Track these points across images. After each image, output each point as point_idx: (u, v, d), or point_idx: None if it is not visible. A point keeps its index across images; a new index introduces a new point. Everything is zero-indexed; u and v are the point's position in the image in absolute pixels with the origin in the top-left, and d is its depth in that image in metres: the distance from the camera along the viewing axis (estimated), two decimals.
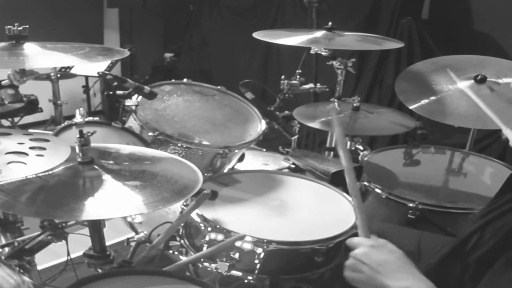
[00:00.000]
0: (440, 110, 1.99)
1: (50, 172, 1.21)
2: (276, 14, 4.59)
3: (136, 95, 1.93)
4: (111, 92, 1.90)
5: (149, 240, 1.80)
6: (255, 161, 2.35)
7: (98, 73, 1.96)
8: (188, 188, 1.26)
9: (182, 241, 1.64)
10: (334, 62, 2.43)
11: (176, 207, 1.76)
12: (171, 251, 1.70)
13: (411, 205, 1.77)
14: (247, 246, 1.43)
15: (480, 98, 1.65)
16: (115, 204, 1.18)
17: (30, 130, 1.43)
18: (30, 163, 1.15)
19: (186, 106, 2.14)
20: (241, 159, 2.17)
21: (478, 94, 1.98)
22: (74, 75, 3.98)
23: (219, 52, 5.08)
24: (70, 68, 3.90)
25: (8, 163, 1.14)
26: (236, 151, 2.03)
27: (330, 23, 2.32)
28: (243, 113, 2.22)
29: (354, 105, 2.26)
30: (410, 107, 2.04)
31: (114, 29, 5.14)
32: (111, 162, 1.32)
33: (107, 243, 1.38)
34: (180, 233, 1.66)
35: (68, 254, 1.54)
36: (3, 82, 1.84)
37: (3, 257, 1.44)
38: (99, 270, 1.35)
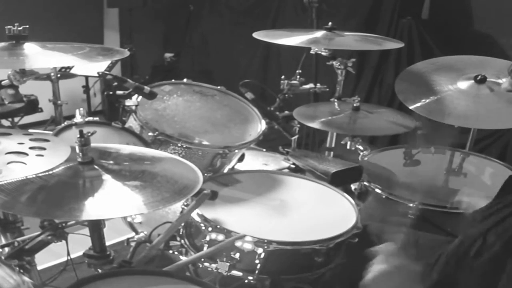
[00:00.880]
0: (440, 110, 1.99)
1: (50, 172, 1.21)
2: (276, 14, 4.59)
3: (136, 95, 1.93)
4: (111, 92, 1.90)
5: (149, 240, 1.80)
6: (255, 161, 2.35)
7: (98, 73, 1.96)
8: (188, 188, 1.26)
9: (182, 241, 1.64)
10: (334, 62, 2.43)
11: (176, 207, 1.76)
12: (171, 251, 1.70)
13: (411, 205, 1.77)
14: (248, 246, 1.43)
15: None
16: (115, 204, 1.18)
17: (30, 130, 1.43)
18: (30, 163, 1.15)
19: (186, 106, 2.14)
20: (241, 159, 2.17)
21: (478, 94, 1.98)
22: (74, 75, 3.98)
23: (219, 52, 5.07)
24: (70, 68, 3.91)
25: (8, 163, 1.14)
26: (236, 151, 2.03)
27: (330, 23, 2.32)
28: (243, 113, 2.22)
29: (354, 105, 2.26)
30: (410, 107, 2.04)
31: (114, 29, 5.14)
32: (111, 162, 1.32)
33: (107, 243, 1.38)
34: (180, 233, 1.66)
35: (68, 254, 1.54)
36: (3, 82, 1.84)
37: (3, 257, 1.44)
38: (99, 270, 1.35)
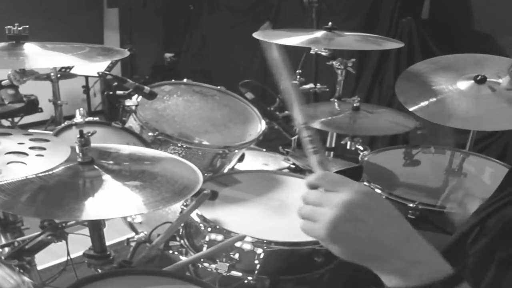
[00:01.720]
0: (440, 112, 1.99)
1: (50, 172, 1.21)
2: (276, 14, 4.59)
3: (136, 95, 1.93)
4: (111, 92, 1.90)
5: (149, 240, 1.80)
6: (255, 161, 2.35)
7: (98, 73, 1.96)
8: (188, 188, 1.26)
9: (182, 241, 1.64)
10: (334, 62, 2.43)
11: (176, 207, 1.76)
12: (171, 251, 1.70)
13: (411, 205, 1.77)
14: (247, 247, 1.43)
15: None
16: (115, 204, 1.18)
17: (30, 130, 1.43)
18: (30, 163, 1.15)
19: (186, 106, 2.14)
20: (241, 159, 2.17)
21: (478, 94, 1.98)
22: (74, 75, 3.98)
23: (219, 52, 5.08)
24: (70, 68, 3.91)
25: (8, 163, 1.14)
26: (236, 151, 2.03)
27: (330, 23, 2.32)
28: (243, 113, 2.22)
29: (354, 105, 2.26)
30: (410, 109, 2.04)
31: (114, 29, 5.14)
32: (111, 162, 1.32)
33: (107, 243, 1.38)
34: (180, 233, 1.65)
35: (68, 254, 1.54)
36: (3, 82, 1.84)
37: (3, 257, 1.44)
38: (99, 270, 1.35)
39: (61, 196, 1.16)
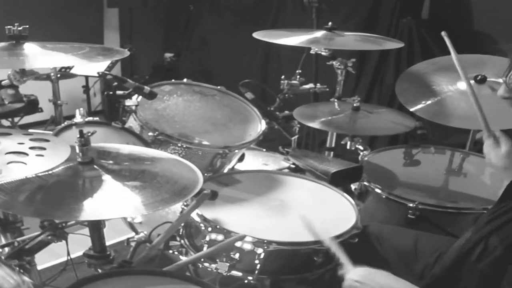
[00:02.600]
0: (441, 112, 1.99)
1: (50, 172, 1.21)
2: (276, 14, 4.59)
3: (136, 95, 1.93)
4: (111, 92, 1.90)
5: (149, 240, 1.79)
6: (255, 161, 2.35)
7: (98, 73, 1.96)
8: (188, 188, 1.26)
9: (182, 241, 1.64)
10: (334, 62, 2.43)
11: (176, 207, 1.76)
12: (171, 251, 1.70)
13: (411, 205, 1.77)
14: (247, 246, 1.43)
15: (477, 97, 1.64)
16: (114, 204, 1.18)
17: (30, 130, 1.43)
18: (30, 163, 1.15)
19: (186, 106, 2.14)
20: (241, 159, 2.17)
21: (479, 94, 1.98)
22: (74, 75, 3.98)
23: (219, 52, 5.07)
24: (70, 68, 3.90)
25: (8, 163, 1.14)
26: (236, 151, 2.03)
27: (330, 23, 2.32)
28: (243, 113, 2.22)
29: (354, 105, 2.26)
30: (411, 109, 2.04)
31: (114, 29, 5.14)
32: (111, 162, 1.32)
33: (107, 243, 1.38)
34: (180, 233, 1.66)
35: (68, 254, 1.54)
36: (3, 82, 1.84)
37: (3, 257, 1.44)
38: (99, 270, 1.35)
39: (61, 196, 1.16)
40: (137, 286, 1.21)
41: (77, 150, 1.27)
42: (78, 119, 1.88)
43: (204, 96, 2.24)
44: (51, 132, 1.72)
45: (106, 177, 1.24)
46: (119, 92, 1.91)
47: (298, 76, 2.46)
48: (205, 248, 1.50)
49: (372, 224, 1.68)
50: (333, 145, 2.48)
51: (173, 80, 2.25)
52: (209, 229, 1.51)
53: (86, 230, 1.39)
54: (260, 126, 2.13)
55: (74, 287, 1.15)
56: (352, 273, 1.21)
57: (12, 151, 1.19)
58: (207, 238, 1.50)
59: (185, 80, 2.27)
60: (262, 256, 1.44)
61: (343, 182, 1.93)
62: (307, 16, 3.11)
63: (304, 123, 2.18)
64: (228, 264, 1.44)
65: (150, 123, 1.92)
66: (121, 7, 4.94)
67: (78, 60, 1.58)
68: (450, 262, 1.24)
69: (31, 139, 1.27)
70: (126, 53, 1.70)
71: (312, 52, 2.53)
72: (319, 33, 2.31)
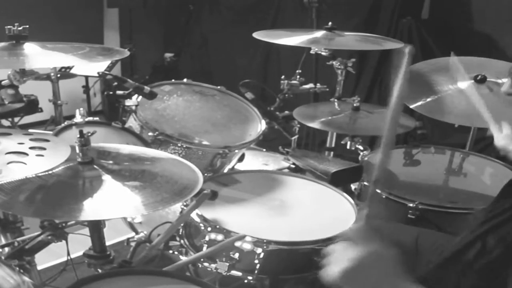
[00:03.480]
0: (440, 109, 1.99)
1: (50, 172, 1.21)
2: (276, 14, 4.59)
3: (136, 95, 1.93)
4: (111, 92, 1.90)
5: (149, 240, 1.80)
6: (255, 161, 2.35)
7: (98, 73, 1.96)
8: (188, 188, 1.26)
9: (182, 241, 1.64)
10: (334, 62, 2.43)
11: (176, 207, 1.76)
12: (171, 251, 1.70)
13: (411, 205, 1.77)
14: (247, 246, 1.43)
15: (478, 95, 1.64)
16: (114, 204, 1.18)
17: (30, 130, 1.43)
18: (30, 163, 1.15)
19: (186, 106, 2.14)
20: (241, 159, 2.17)
21: (479, 93, 1.98)
22: (74, 75, 3.98)
23: (219, 52, 5.07)
24: (70, 68, 3.90)
25: (8, 163, 1.14)
26: (236, 151, 2.03)
27: (330, 23, 2.32)
28: (243, 113, 2.22)
29: (354, 105, 2.26)
30: (410, 106, 2.04)
31: (114, 29, 5.14)
32: (111, 162, 1.32)
33: (107, 243, 1.39)
34: (180, 233, 1.66)
35: (68, 254, 1.54)
36: (3, 82, 1.84)
37: (3, 257, 1.44)
38: (99, 270, 1.36)
39: (61, 196, 1.16)
40: (137, 286, 1.21)
41: (77, 150, 1.27)
42: (78, 119, 1.88)
43: (204, 96, 2.24)
44: (51, 132, 1.72)
45: (106, 177, 1.24)
46: (119, 92, 1.91)
47: (298, 76, 2.46)
48: (204, 248, 1.50)
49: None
50: (333, 145, 2.48)
51: (173, 80, 2.25)
52: (209, 229, 1.51)
53: (86, 230, 1.39)
54: (260, 126, 2.13)
55: (74, 287, 1.15)
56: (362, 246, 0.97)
57: (12, 151, 1.19)
58: (207, 238, 1.50)
59: (185, 80, 2.27)
60: (261, 256, 1.44)
61: (343, 182, 1.93)
62: (307, 16, 3.11)
63: (304, 123, 2.18)
64: (227, 264, 1.44)
65: (150, 123, 1.92)
66: (121, 7, 4.94)
67: (78, 60, 1.58)
68: (445, 260, 1.23)
69: (31, 139, 1.27)
70: (126, 53, 1.70)
71: (312, 52, 2.53)
72: (319, 33, 2.31)
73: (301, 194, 1.79)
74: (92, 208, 1.13)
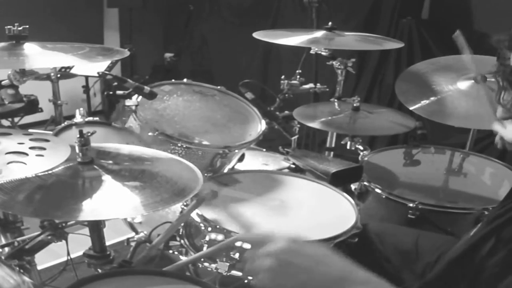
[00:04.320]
0: (440, 111, 2.00)
1: (50, 172, 1.21)
2: (276, 14, 4.59)
3: (136, 95, 1.93)
4: (111, 92, 1.90)
5: (149, 240, 1.80)
6: (255, 161, 2.35)
7: (98, 73, 1.95)
8: (188, 188, 1.26)
9: (182, 241, 1.64)
10: (334, 62, 2.43)
11: (176, 207, 1.76)
12: (171, 251, 1.70)
13: (411, 205, 1.77)
14: (247, 246, 1.43)
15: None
16: (114, 204, 1.18)
17: (30, 130, 1.43)
18: (30, 163, 1.15)
19: (186, 106, 2.14)
20: (241, 159, 2.17)
21: (478, 94, 1.98)
22: (74, 75, 3.98)
23: (219, 52, 5.08)
24: (70, 68, 3.90)
25: (8, 163, 1.14)
26: (236, 151, 2.03)
27: (330, 23, 2.32)
28: (243, 113, 2.22)
29: (354, 105, 2.26)
30: (410, 108, 2.04)
31: (114, 29, 5.14)
32: (111, 162, 1.32)
33: (107, 243, 1.39)
34: (180, 233, 1.65)
35: (68, 254, 1.54)
36: (3, 82, 1.84)
37: (3, 257, 1.44)
38: (99, 270, 1.35)
39: (60, 196, 1.16)
40: (137, 286, 1.21)
41: (77, 150, 1.27)
42: (78, 119, 1.88)
43: (204, 96, 2.24)
44: (51, 132, 1.72)
45: (106, 177, 1.24)
46: (119, 92, 1.91)
47: (298, 76, 2.46)
48: (205, 248, 1.50)
49: (373, 222, 1.67)
50: (333, 145, 2.48)
51: (173, 80, 2.24)
52: (209, 229, 1.51)
53: (86, 230, 1.39)
54: (260, 126, 2.13)
55: (74, 287, 1.15)
56: (281, 242, 0.90)
57: (12, 151, 1.19)
58: (207, 238, 1.50)
59: (185, 80, 2.27)
60: None
61: (343, 182, 1.93)
62: (307, 16, 3.11)
63: (304, 123, 2.18)
64: (228, 264, 1.44)
65: (150, 123, 1.92)
66: (121, 7, 4.94)
67: (78, 60, 1.58)
68: (454, 258, 1.22)
69: (31, 139, 1.27)
70: (126, 53, 1.70)
71: (312, 52, 2.53)
72: (319, 33, 2.31)
73: (301, 194, 1.79)
74: (92, 208, 1.13)
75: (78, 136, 1.26)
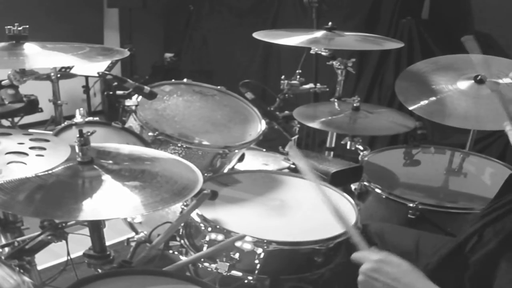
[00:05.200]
0: (440, 111, 1.99)
1: (50, 172, 1.21)
2: (276, 14, 4.59)
3: (136, 95, 1.93)
4: (111, 92, 1.90)
5: (149, 240, 1.80)
6: (255, 161, 2.35)
7: (98, 73, 1.96)
8: (188, 188, 1.26)
9: (182, 241, 1.64)
10: (334, 62, 2.43)
11: (176, 207, 1.76)
12: (171, 251, 1.70)
13: (411, 205, 1.77)
14: (247, 246, 1.43)
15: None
16: (114, 204, 1.18)
17: (30, 130, 1.43)
18: (30, 163, 1.15)
19: (186, 106, 2.14)
20: (241, 159, 2.17)
21: (478, 94, 1.98)
22: (74, 75, 3.98)
23: (219, 52, 5.08)
24: (70, 68, 3.91)
25: (8, 163, 1.14)
26: (236, 151, 2.03)
27: (330, 23, 2.32)
28: (243, 113, 2.22)
29: (354, 105, 2.26)
30: (410, 108, 2.04)
31: (114, 29, 5.14)
32: (111, 162, 1.32)
33: (107, 243, 1.39)
34: (180, 233, 1.66)
35: (68, 254, 1.54)
36: (3, 82, 1.84)
37: (3, 257, 1.44)
38: (99, 270, 1.35)
39: (60, 196, 1.16)
40: (137, 286, 1.21)
41: (77, 150, 1.27)
42: (78, 119, 1.88)
43: (204, 96, 2.24)
44: (51, 132, 1.72)
45: (106, 177, 1.24)
46: (119, 92, 1.91)
47: (298, 76, 2.46)
48: (205, 248, 1.50)
49: (373, 222, 1.67)
50: (333, 145, 2.48)
51: (173, 80, 2.25)
52: (209, 229, 1.51)
53: (86, 230, 1.39)
54: (260, 126, 2.13)
55: (74, 287, 1.15)
56: (369, 263, 1.10)
57: (12, 151, 1.19)
58: (207, 238, 1.50)
59: (185, 80, 2.27)
60: (262, 256, 1.44)
61: (343, 182, 1.93)
62: (307, 16, 3.11)
63: (304, 123, 2.18)
64: (228, 264, 1.44)
65: (150, 123, 1.92)
66: (121, 7, 4.94)
67: (78, 60, 1.58)
68: (444, 255, 1.24)
69: (31, 139, 1.27)
70: (126, 53, 1.70)
71: (312, 52, 2.54)
72: (319, 33, 2.31)
73: (301, 194, 1.79)
74: (91, 208, 1.13)
75: (78, 136, 1.26)
